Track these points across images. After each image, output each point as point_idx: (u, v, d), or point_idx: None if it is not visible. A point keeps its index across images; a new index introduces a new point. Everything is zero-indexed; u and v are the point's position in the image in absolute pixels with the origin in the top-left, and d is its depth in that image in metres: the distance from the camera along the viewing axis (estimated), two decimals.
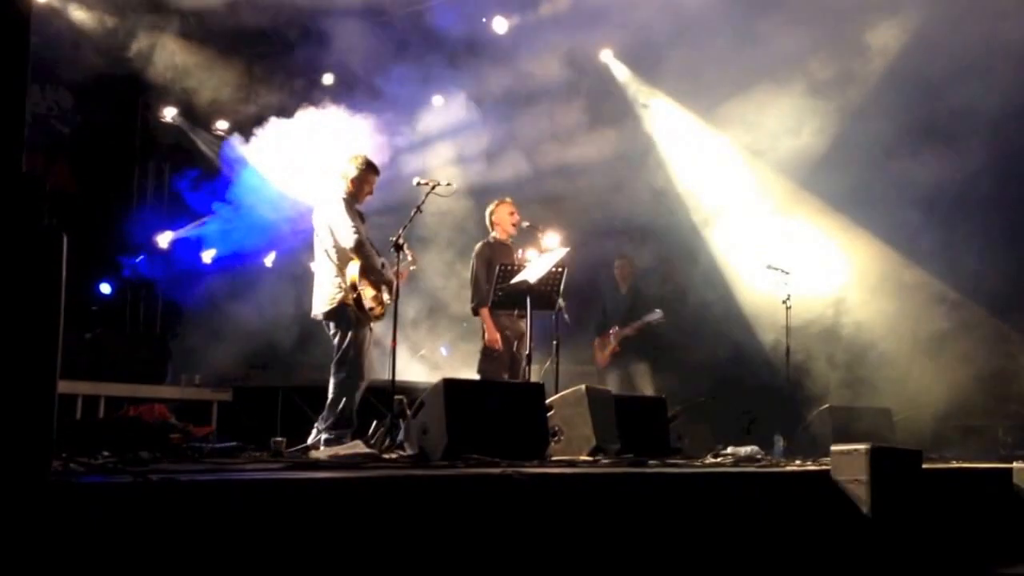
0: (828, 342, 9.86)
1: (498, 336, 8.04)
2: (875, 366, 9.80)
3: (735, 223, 10.72)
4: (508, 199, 8.62)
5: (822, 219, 10.10)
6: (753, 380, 9.97)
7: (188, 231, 11.55)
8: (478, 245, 8.46)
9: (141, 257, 11.47)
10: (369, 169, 7.34)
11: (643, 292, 10.52)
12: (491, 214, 8.52)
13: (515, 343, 8.21)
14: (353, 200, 7.28)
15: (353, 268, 7.03)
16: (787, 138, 10.14)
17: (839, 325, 9.86)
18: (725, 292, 10.89)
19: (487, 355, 8.16)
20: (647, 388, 9.90)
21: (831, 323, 9.78)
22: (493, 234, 8.46)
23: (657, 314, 10.01)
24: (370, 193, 7.38)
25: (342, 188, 7.30)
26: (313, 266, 7.42)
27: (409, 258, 7.34)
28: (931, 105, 9.26)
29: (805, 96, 10.01)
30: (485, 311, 8.08)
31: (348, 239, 7.05)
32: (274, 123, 10.49)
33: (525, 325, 7.90)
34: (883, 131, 9.50)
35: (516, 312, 8.05)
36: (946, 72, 9.05)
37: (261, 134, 10.57)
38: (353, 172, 7.30)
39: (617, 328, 10.19)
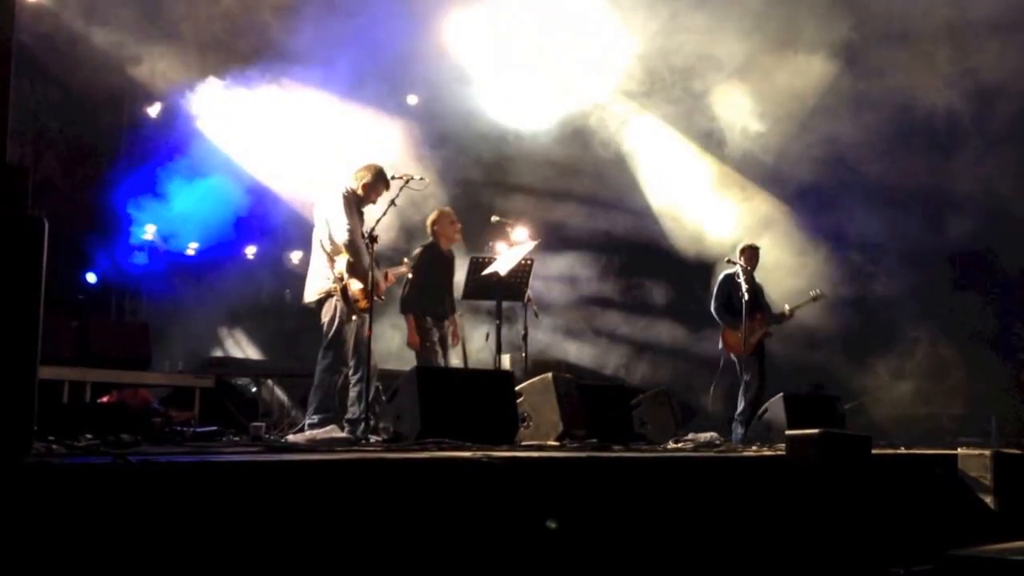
0: (783, 333, 10.00)
1: (417, 340, 8.17)
2: (828, 357, 10.07)
3: (693, 215, 10.96)
4: (448, 208, 8.70)
5: (775, 214, 10.36)
6: (714, 369, 10.23)
7: (169, 223, 11.72)
8: (416, 250, 8.47)
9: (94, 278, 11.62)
10: (380, 179, 7.45)
11: None
12: (432, 224, 8.52)
13: (437, 334, 8.30)
14: (358, 200, 7.40)
15: (342, 261, 7.17)
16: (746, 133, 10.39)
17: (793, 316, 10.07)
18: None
19: (419, 355, 8.25)
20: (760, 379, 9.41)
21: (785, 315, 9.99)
22: (432, 240, 8.49)
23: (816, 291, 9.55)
24: (374, 201, 7.50)
25: (351, 186, 7.40)
26: (309, 256, 7.57)
27: (405, 261, 7.75)
28: None
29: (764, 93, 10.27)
30: (409, 317, 8.19)
31: (342, 235, 7.17)
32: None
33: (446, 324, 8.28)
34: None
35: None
36: None
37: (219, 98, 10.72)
38: (368, 178, 7.44)
39: (765, 314, 9.45)
